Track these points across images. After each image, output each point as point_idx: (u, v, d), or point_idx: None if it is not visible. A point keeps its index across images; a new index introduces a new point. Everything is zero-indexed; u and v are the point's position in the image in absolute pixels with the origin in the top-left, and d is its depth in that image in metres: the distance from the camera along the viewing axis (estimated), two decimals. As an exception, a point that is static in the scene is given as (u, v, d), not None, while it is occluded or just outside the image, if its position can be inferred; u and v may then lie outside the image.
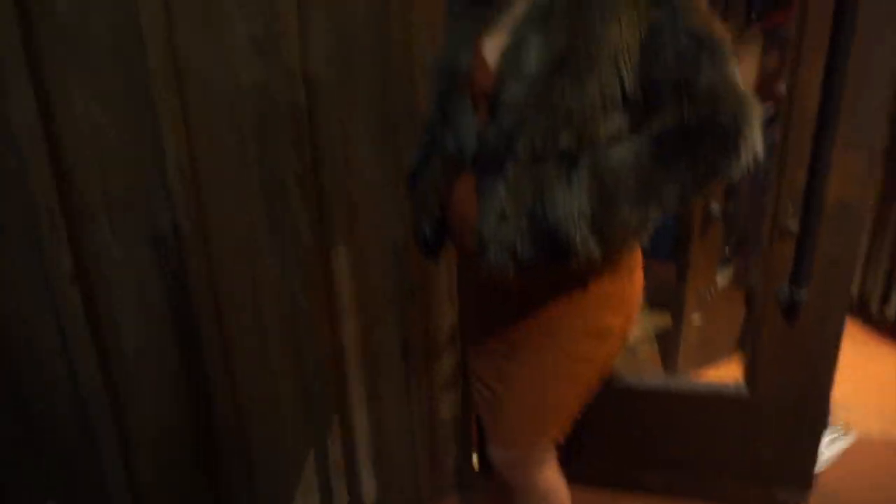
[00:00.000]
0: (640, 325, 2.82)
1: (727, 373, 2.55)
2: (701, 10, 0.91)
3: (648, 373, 2.64)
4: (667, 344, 2.66)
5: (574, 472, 1.39)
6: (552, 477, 1.30)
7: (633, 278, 1.15)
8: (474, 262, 1.05)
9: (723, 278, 2.51)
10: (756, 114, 0.90)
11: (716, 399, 1.85)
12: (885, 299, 2.92)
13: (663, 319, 2.75)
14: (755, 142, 0.89)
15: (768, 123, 1.02)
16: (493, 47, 1.04)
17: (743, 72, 0.92)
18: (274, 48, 1.35)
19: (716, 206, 2.23)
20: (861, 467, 2.04)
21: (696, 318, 2.44)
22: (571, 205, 0.93)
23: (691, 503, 1.89)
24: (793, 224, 1.61)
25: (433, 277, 1.70)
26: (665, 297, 2.68)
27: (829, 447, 2.11)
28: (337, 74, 1.43)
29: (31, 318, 1.31)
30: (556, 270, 0.99)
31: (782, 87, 1.73)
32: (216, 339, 1.46)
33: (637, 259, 1.16)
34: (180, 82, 1.28)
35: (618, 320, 1.13)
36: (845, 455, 2.08)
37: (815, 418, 1.80)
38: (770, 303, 1.71)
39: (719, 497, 1.89)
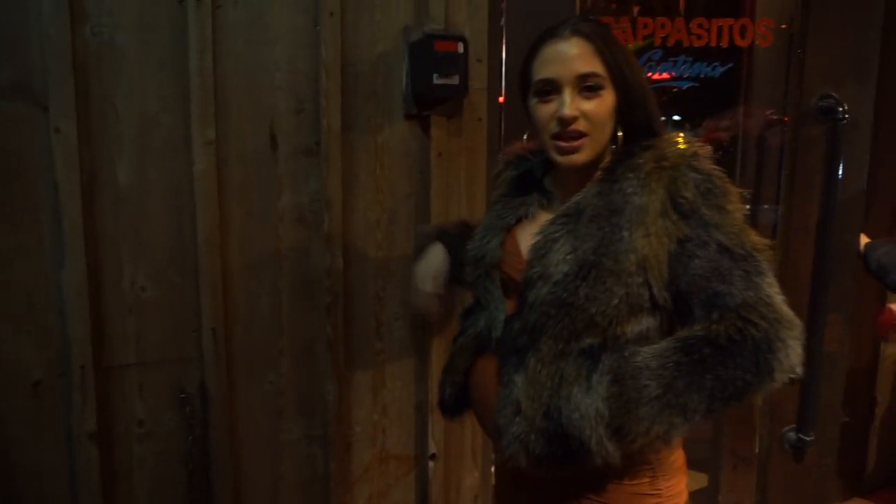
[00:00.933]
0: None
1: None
2: (735, 223, 0.91)
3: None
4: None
5: None
6: None
7: (669, 472, 1.09)
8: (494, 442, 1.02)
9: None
10: (795, 333, 0.86)
11: None
12: None
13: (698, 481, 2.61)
14: (792, 360, 0.85)
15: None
16: (527, 237, 1.05)
17: None
18: (317, 215, 1.41)
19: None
20: None
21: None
22: (589, 407, 0.90)
23: None
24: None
25: (456, 438, 1.66)
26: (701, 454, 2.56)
27: None
28: (374, 241, 1.49)
29: (46, 473, 1.28)
30: (573, 469, 0.94)
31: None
32: (229, 498, 1.41)
33: (679, 458, 1.10)
34: (224, 251, 1.33)
35: None
36: None
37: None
38: (775, 443, 1.87)
39: None
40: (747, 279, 0.87)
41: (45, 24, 1.15)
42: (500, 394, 0.99)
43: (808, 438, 1.73)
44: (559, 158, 0.97)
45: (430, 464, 1.63)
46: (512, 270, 1.06)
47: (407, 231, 1.52)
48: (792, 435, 1.73)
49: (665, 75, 1.80)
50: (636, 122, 0.97)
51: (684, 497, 1.10)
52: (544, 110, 0.95)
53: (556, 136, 0.95)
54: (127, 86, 1.23)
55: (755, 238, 0.91)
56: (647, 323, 0.94)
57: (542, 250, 0.98)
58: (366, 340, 1.52)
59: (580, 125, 0.93)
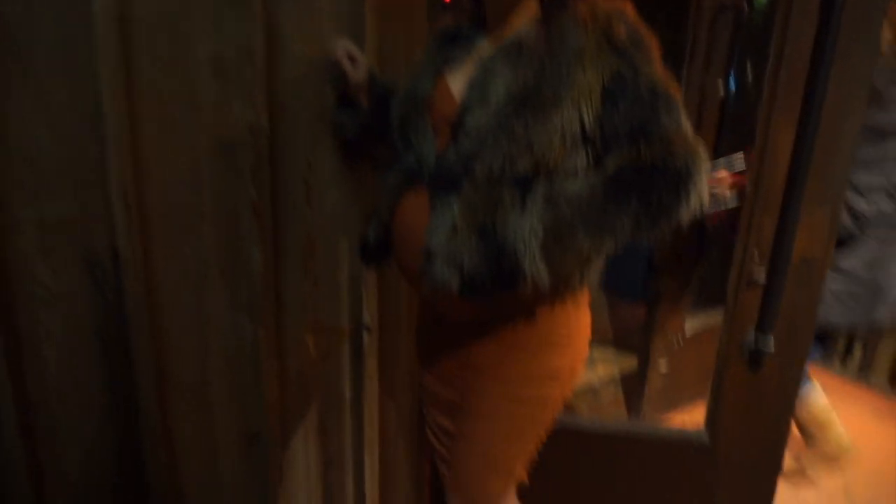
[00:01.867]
0: (605, 367, 2.78)
1: (690, 419, 2.51)
2: (657, 68, 0.97)
3: (611, 416, 2.59)
4: (632, 388, 2.62)
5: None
6: None
7: (580, 317, 1.16)
8: (414, 283, 1.07)
9: (691, 326, 2.48)
10: (704, 164, 0.93)
11: (676, 445, 1.84)
12: (848, 350, 2.94)
13: (630, 363, 2.71)
14: (702, 189, 0.92)
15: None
16: (458, 79, 1.10)
17: None
18: (237, 68, 1.27)
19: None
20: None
21: (662, 364, 2.41)
22: (523, 226, 0.94)
23: None
24: (759, 275, 1.63)
25: (392, 315, 1.63)
26: (633, 340, 2.65)
27: None
28: (303, 97, 1.37)
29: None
30: (500, 298, 0.99)
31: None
32: (152, 372, 1.36)
33: (584, 299, 1.16)
34: (131, 103, 1.20)
35: (566, 361, 1.14)
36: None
37: (773, 466, 1.80)
38: (734, 350, 1.71)
39: None
40: (669, 114, 0.94)
41: None
42: (432, 218, 1.02)
43: (765, 349, 1.65)
44: None
45: (365, 336, 1.61)
46: (442, 111, 1.09)
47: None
48: (751, 341, 1.68)
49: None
50: None
51: (587, 335, 1.17)
52: None
53: None
54: None
55: (671, 82, 0.98)
56: (578, 156, 0.99)
57: (480, 80, 1.01)
58: (295, 207, 1.43)
59: None
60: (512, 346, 1.11)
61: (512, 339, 1.10)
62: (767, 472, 1.80)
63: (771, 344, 1.65)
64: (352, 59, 1.27)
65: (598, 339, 2.70)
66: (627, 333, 2.86)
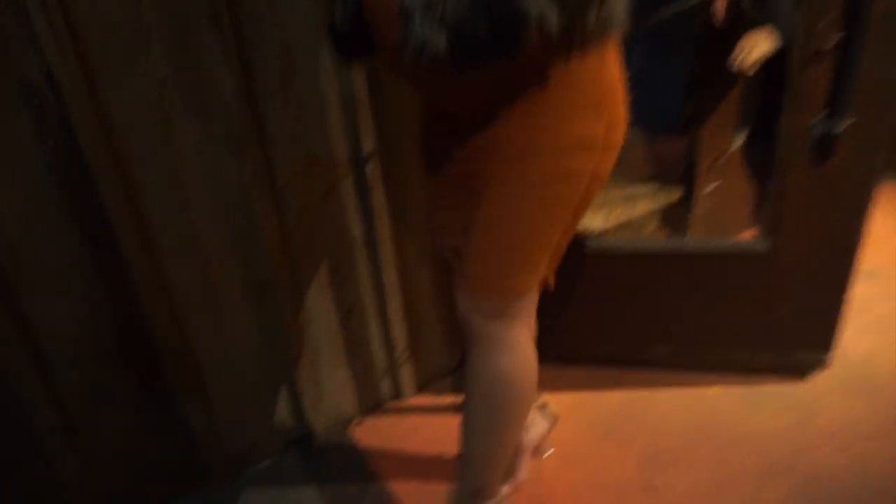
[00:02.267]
0: (645, 203, 2.55)
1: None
2: None
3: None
4: (675, 218, 2.40)
5: (571, 352, 1.18)
6: (525, 340, 1.10)
7: (609, 76, 0.95)
8: (396, 58, 0.86)
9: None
10: None
11: (732, 257, 1.63)
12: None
13: (672, 197, 2.47)
14: None
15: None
16: None
17: None
18: None
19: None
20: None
21: (709, 189, 2.17)
22: None
23: (701, 376, 1.73)
24: (829, 40, 1.33)
25: (394, 138, 1.42)
26: (675, 173, 2.41)
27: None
28: None
29: None
30: (503, 68, 0.82)
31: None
32: (129, 221, 1.21)
33: (612, 55, 0.95)
34: None
35: (598, 128, 0.95)
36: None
37: (843, 273, 1.58)
38: (798, 140, 1.44)
39: (732, 366, 1.74)
40: None
41: None
42: None
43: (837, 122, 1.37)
44: None
45: (368, 165, 1.41)
46: None
47: None
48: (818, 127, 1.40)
49: None
50: None
51: (620, 94, 0.98)
52: None
53: None
54: None
55: None
56: None
57: None
58: (266, 18, 1.20)
59: None
60: (532, 115, 0.91)
61: (530, 110, 0.91)
62: (837, 280, 1.59)
63: (841, 126, 1.38)
64: None
65: (636, 175, 2.46)
66: (668, 167, 2.61)
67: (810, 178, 1.48)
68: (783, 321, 1.66)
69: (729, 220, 2.34)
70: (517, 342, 1.08)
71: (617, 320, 1.75)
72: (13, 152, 1.09)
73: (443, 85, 0.94)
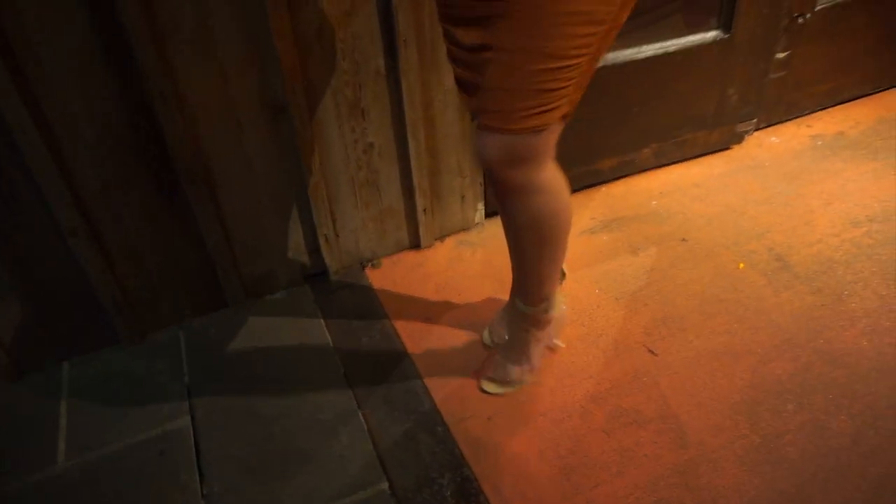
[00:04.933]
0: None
1: (811, 130, 2.12)
2: None
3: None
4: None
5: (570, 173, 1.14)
6: (552, 174, 1.07)
7: None
8: None
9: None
10: None
11: (690, 53, 1.81)
12: None
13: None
14: None
15: None
16: None
17: None
18: None
19: None
20: None
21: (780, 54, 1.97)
22: None
23: (672, 166, 1.99)
24: None
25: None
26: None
27: None
28: None
29: None
30: None
31: None
32: (137, 11, 1.17)
33: None
34: None
35: None
36: None
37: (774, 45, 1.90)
38: None
39: (687, 148, 2.01)
40: None
41: None
42: None
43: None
44: None
45: (393, -14, 1.32)
46: None
47: None
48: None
49: None
50: None
51: None
52: None
53: None
54: None
55: None
56: None
57: None
58: None
59: None
60: None
61: None
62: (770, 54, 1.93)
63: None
64: None
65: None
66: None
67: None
68: (729, 101, 1.95)
69: (808, 90, 2.16)
70: (546, 180, 1.05)
71: (610, 134, 1.87)
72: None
73: None
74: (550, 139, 1.02)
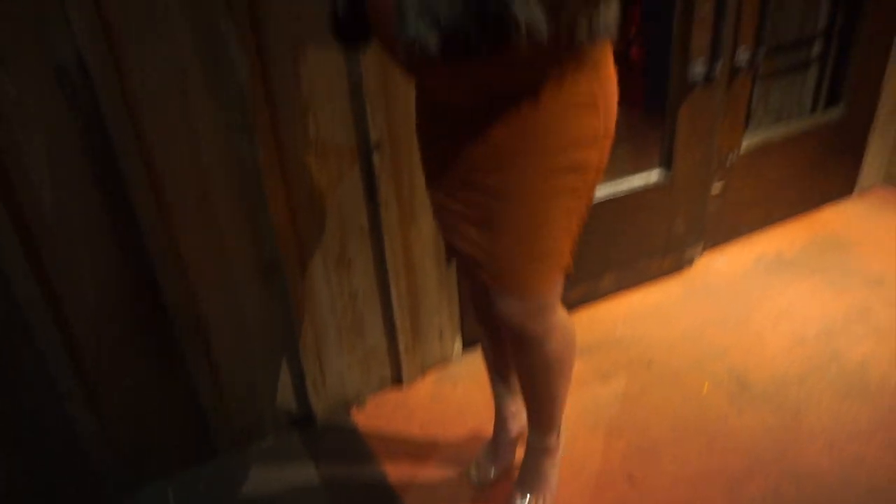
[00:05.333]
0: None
1: (751, 251, 2.33)
2: None
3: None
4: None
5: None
6: (561, 320, 1.18)
7: (604, 78, 1.00)
8: (392, 51, 0.93)
9: (749, 143, 2.23)
10: None
11: (639, 192, 2.02)
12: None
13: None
14: None
15: None
16: None
17: None
18: None
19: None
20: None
21: (716, 187, 2.20)
22: None
23: (630, 291, 2.17)
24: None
25: (403, 129, 1.49)
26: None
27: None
28: None
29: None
30: (496, 63, 0.87)
31: None
32: (148, 194, 1.29)
33: (605, 59, 0.99)
34: None
35: (599, 122, 0.99)
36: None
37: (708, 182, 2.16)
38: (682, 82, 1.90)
39: (643, 275, 2.19)
40: None
41: None
42: None
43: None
44: None
45: (375, 155, 1.48)
46: None
47: None
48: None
49: None
50: None
51: (615, 96, 1.02)
52: None
53: None
54: None
55: None
56: None
57: None
58: (281, 10, 1.27)
59: None
60: (535, 113, 0.95)
61: (531, 108, 0.95)
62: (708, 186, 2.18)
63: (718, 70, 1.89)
64: None
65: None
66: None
67: (691, 115, 1.95)
68: (676, 231, 2.16)
69: (742, 217, 2.37)
70: (555, 327, 1.15)
71: (574, 265, 1.93)
72: (47, 130, 1.18)
73: (438, 76, 0.98)
74: (558, 290, 1.13)
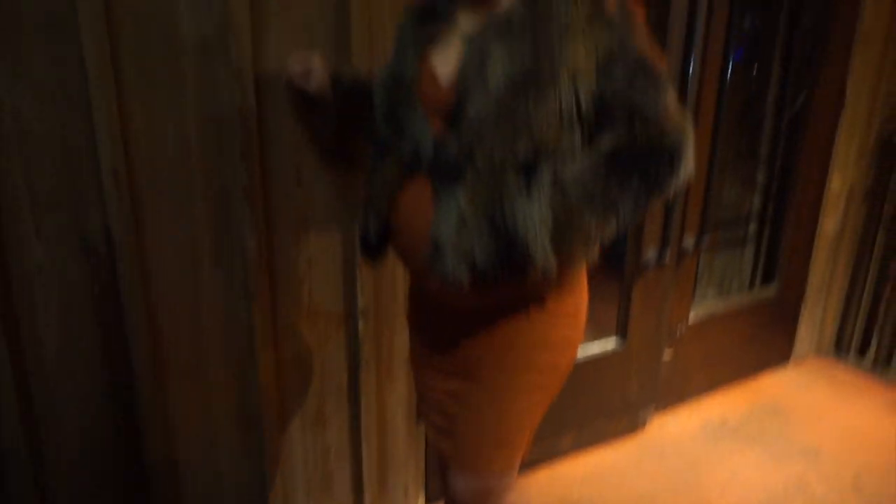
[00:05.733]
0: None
1: (698, 414, 2.47)
2: (644, 39, 0.98)
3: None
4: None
5: None
6: (518, 501, 1.24)
7: (583, 292, 1.18)
8: (419, 275, 1.07)
9: (696, 314, 2.44)
10: (692, 139, 0.97)
11: (598, 358, 2.18)
12: (865, 345, 2.87)
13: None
14: (690, 163, 0.97)
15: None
16: (443, 61, 1.06)
17: None
18: (222, 46, 1.28)
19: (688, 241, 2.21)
20: None
21: (667, 353, 2.37)
22: (532, 213, 0.95)
23: (588, 450, 2.25)
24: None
25: (387, 300, 1.62)
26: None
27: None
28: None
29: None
30: (509, 287, 1.00)
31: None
32: (147, 352, 1.37)
33: (584, 275, 1.17)
34: (119, 80, 1.21)
35: (576, 332, 1.16)
36: None
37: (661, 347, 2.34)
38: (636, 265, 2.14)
39: (600, 435, 2.29)
40: (658, 93, 0.96)
41: None
42: (438, 209, 1.00)
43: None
44: None
45: (360, 322, 1.60)
46: (431, 94, 1.05)
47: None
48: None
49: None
50: None
51: (586, 308, 1.18)
52: None
53: None
54: None
55: (656, 53, 0.99)
56: (574, 135, 0.98)
57: (476, 62, 0.98)
58: (287, 190, 1.44)
59: None
60: (521, 320, 1.09)
61: (522, 315, 1.09)
62: (659, 352, 2.35)
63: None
64: (307, 70, 1.16)
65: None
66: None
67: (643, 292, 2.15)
68: (630, 394, 2.27)
69: (691, 382, 2.53)
70: (512, 500, 1.21)
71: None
72: (64, 289, 1.27)
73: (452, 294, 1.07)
74: (513, 476, 1.21)
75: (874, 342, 2.84)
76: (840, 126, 2.53)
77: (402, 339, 1.66)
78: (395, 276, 1.61)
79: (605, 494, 2.04)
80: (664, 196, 0.98)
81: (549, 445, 2.16)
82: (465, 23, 1.05)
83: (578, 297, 1.14)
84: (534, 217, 0.95)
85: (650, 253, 2.08)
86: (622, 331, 2.19)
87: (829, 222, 2.71)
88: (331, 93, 1.19)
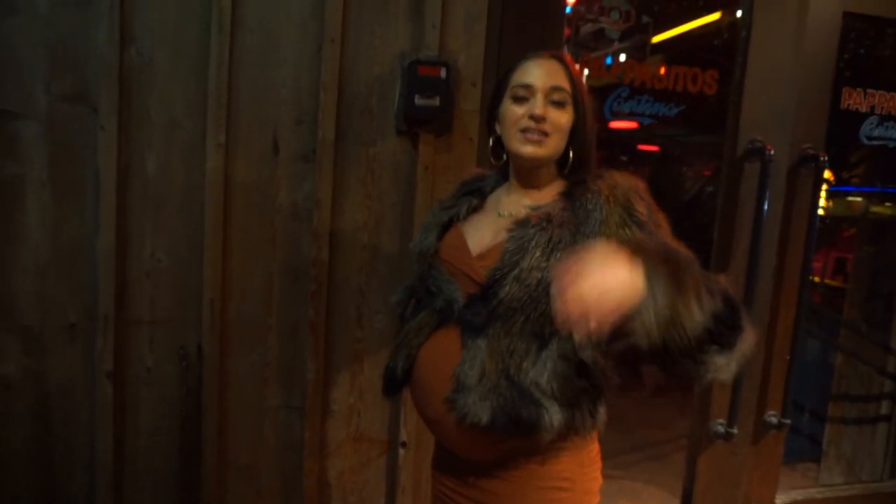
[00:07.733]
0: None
1: None
2: (671, 238, 1.07)
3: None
4: None
5: None
6: None
7: (594, 440, 1.21)
8: (437, 423, 1.16)
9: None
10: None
11: None
12: None
13: None
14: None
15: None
16: (476, 233, 1.20)
17: None
18: (308, 213, 1.63)
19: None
20: None
21: None
22: (539, 376, 1.06)
23: None
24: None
25: (427, 434, 1.78)
26: None
27: None
28: (360, 240, 1.68)
29: (72, 398, 1.59)
30: (518, 443, 1.09)
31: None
32: (215, 449, 1.65)
33: (596, 448, 1.21)
34: (227, 235, 1.59)
35: (596, 482, 1.20)
36: None
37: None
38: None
39: None
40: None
41: (101, 46, 1.48)
42: (465, 356, 1.12)
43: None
44: (524, 149, 1.12)
45: (401, 451, 1.77)
46: (457, 260, 1.20)
47: (391, 234, 1.70)
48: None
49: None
50: (581, 148, 1.15)
51: (598, 483, 1.22)
52: (518, 110, 1.12)
53: (525, 130, 1.11)
54: (158, 95, 1.53)
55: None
56: None
57: (516, 253, 1.10)
58: (346, 328, 1.71)
59: (546, 126, 1.11)
60: (537, 466, 1.15)
61: (539, 465, 1.15)
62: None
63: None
64: None
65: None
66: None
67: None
68: None
69: None
70: None
71: None
72: (164, 386, 1.61)
73: (466, 441, 1.13)
74: None
75: None
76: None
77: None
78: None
79: None
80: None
81: None
82: (507, 204, 1.20)
83: (593, 448, 1.19)
84: (543, 379, 1.05)
85: (717, 426, 2.02)
86: (687, 500, 2.10)
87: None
88: None
